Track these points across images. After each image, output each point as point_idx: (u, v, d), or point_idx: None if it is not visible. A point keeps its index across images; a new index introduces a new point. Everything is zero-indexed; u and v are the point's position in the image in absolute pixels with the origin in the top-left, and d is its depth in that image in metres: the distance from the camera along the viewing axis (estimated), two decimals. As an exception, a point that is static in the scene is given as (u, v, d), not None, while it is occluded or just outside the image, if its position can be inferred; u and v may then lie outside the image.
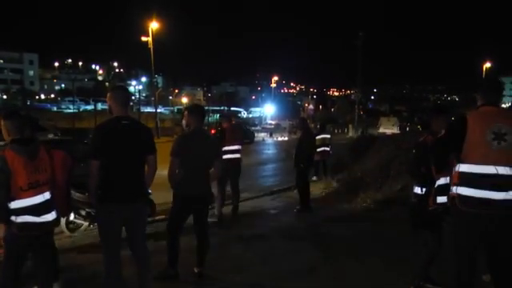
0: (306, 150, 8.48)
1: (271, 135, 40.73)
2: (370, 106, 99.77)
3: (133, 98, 57.26)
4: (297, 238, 6.68)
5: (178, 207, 4.77)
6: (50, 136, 12.77)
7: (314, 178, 11.88)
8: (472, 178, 3.24)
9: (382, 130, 36.35)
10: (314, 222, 7.81)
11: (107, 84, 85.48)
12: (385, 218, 7.70)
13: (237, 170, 7.83)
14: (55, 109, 58.77)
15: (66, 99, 66.13)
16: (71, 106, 52.22)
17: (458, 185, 3.32)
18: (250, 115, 73.15)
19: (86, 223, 6.97)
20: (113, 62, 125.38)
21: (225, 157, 6.26)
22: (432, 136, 4.31)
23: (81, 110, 50.48)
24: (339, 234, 6.80)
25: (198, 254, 4.83)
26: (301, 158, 8.42)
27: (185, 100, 75.47)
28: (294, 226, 7.65)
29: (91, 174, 3.74)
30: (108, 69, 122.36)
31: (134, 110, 43.15)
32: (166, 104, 72.03)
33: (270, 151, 26.72)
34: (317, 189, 10.46)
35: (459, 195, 3.29)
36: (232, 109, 70.56)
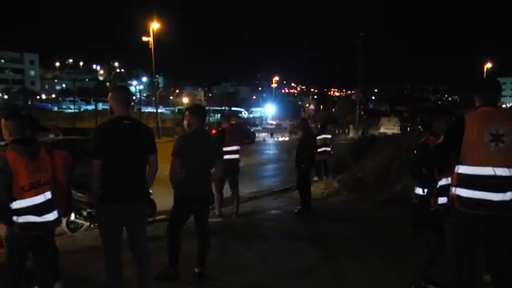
0: (306, 150, 8.48)
1: (272, 135, 40.73)
2: (371, 106, 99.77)
3: (134, 98, 57.35)
4: (297, 238, 6.69)
5: (179, 207, 4.77)
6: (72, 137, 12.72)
7: (315, 178, 11.88)
8: (470, 180, 3.24)
9: (382, 130, 36.31)
10: (314, 222, 7.82)
11: (108, 84, 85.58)
12: (385, 218, 7.71)
13: (235, 170, 7.84)
14: (56, 109, 58.84)
15: (67, 99, 66.27)
16: (72, 106, 52.38)
17: (456, 186, 3.32)
18: (251, 115, 73.18)
19: (87, 223, 6.98)
20: (113, 62, 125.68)
21: (224, 157, 6.27)
22: (433, 136, 4.31)
23: (82, 110, 50.60)
24: (339, 234, 6.81)
25: (199, 255, 4.83)
26: (302, 158, 8.42)
27: (185, 100, 75.47)
28: (294, 226, 7.66)
29: (93, 174, 3.74)
30: (109, 69, 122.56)
31: (135, 110, 43.21)
32: (166, 104, 72.03)
33: (270, 151, 26.72)
34: (317, 189, 10.47)
35: (458, 196, 3.30)
36: (233, 109, 70.60)
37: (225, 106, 71.94)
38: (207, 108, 41.76)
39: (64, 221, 6.54)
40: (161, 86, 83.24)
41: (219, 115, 39.04)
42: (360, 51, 43.83)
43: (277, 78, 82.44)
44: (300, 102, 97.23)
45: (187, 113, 5.00)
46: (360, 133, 38.41)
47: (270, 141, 36.35)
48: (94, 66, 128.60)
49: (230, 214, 7.87)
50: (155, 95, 43.04)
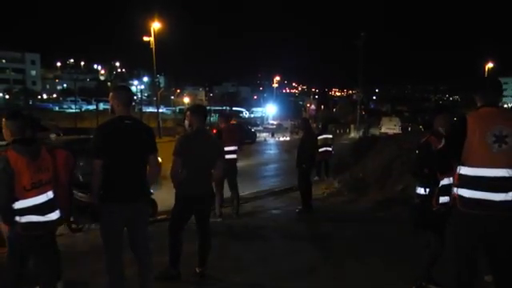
0: (307, 150, 8.49)
1: (273, 135, 40.69)
2: (372, 106, 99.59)
3: (135, 97, 57.35)
4: (297, 238, 6.70)
5: (180, 207, 4.78)
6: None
7: (316, 178, 11.88)
8: (472, 180, 3.24)
9: (383, 130, 36.30)
10: (314, 222, 7.82)
11: (109, 84, 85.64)
12: (385, 218, 7.72)
13: (233, 170, 7.84)
14: (57, 109, 58.91)
15: (68, 99, 66.42)
16: (73, 106, 52.45)
17: (458, 186, 3.32)
18: (252, 115, 73.13)
19: (88, 223, 6.99)
20: (115, 62, 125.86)
21: None
22: (434, 136, 4.32)
23: (83, 109, 50.70)
24: (340, 234, 6.81)
25: (200, 254, 4.84)
26: (303, 158, 8.42)
27: (186, 100, 75.56)
28: (294, 226, 7.67)
29: (94, 174, 3.75)
30: (110, 69, 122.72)
31: (136, 110, 43.19)
32: (167, 104, 72.11)
33: (271, 151, 26.72)
34: (318, 189, 10.47)
35: (460, 196, 3.29)
36: (234, 109, 70.61)
37: (226, 105, 71.95)
38: (208, 108, 41.73)
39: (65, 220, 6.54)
40: (162, 85, 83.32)
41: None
42: (361, 51, 43.75)
43: (278, 78, 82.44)
44: (301, 102, 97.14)
45: (188, 113, 5.00)
46: (361, 133, 38.35)
47: (271, 141, 36.33)
48: (95, 66, 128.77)
49: (230, 214, 7.88)
50: (156, 95, 43.05)
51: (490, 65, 51.88)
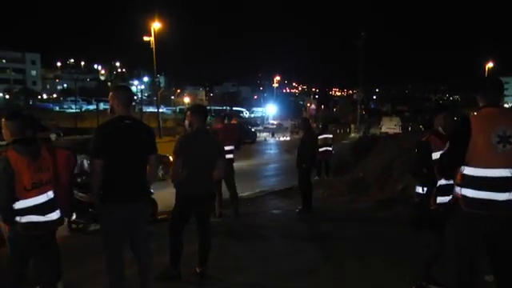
0: (308, 150, 8.49)
1: (273, 135, 40.70)
2: (372, 106, 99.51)
3: (135, 97, 57.34)
4: (297, 238, 6.70)
5: (180, 207, 4.78)
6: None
7: (316, 177, 11.88)
8: (476, 181, 3.22)
9: (384, 129, 36.30)
10: (314, 222, 7.82)
11: (109, 84, 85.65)
12: (386, 218, 7.71)
13: (231, 170, 7.83)
14: (57, 109, 58.92)
15: (69, 99, 66.43)
16: (73, 106, 52.49)
17: (462, 186, 3.30)
18: (252, 115, 73.13)
19: (88, 223, 6.99)
20: (115, 62, 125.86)
21: None
22: (434, 135, 4.32)
23: (83, 109, 50.70)
24: (340, 234, 6.81)
25: (200, 254, 4.84)
26: (303, 157, 8.42)
27: (187, 100, 75.59)
28: (294, 226, 7.66)
29: (94, 174, 3.75)
30: (110, 69, 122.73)
31: (137, 109, 43.20)
32: (168, 104, 72.11)
33: (271, 151, 26.74)
34: (318, 189, 10.46)
35: (464, 196, 3.28)
36: (234, 109, 70.63)
37: (226, 105, 71.99)
38: (208, 108, 41.76)
39: (66, 220, 6.54)
40: (162, 85, 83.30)
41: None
42: (361, 51, 43.78)
43: (278, 78, 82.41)
44: (301, 102, 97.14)
45: (189, 112, 5.00)
46: (361, 132, 38.35)
47: (272, 141, 36.35)
48: (96, 66, 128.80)
49: (230, 214, 7.87)
50: (156, 95, 43.08)
51: (490, 64, 51.91)
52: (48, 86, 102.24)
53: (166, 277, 4.65)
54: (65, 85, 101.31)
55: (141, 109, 45.42)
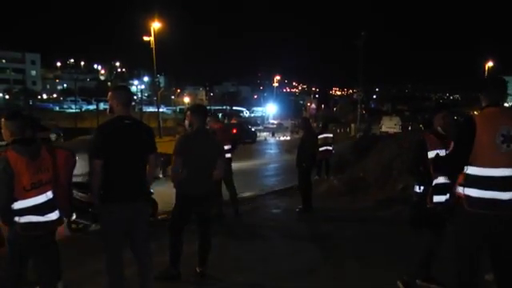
0: (308, 149, 8.48)
1: (273, 135, 40.73)
2: (372, 106, 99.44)
3: (135, 97, 57.40)
4: (297, 238, 6.69)
5: (181, 207, 4.77)
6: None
7: (316, 177, 11.88)
8: (480, 180, 3.22)
9: (384, 129, 36.28)
10: (315, 221, 7.82)
11: (109, 84, 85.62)
12: (386, 218, 7.71)
13: (229, 169, 7.83)
14: (57, 109, 58.97)
15: (68, 99, 66.44)
16: (73, 106, 52.52)
17: (465, 186, 3.29)
18: (252, 115, 73.16)
19: (88, 223, 6.99)
20: (115, 62, 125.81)
21: None
22: (433, 134, 4.32)
23: (83, 109, 50.71)
24: (340, 234, 6.81)
25: (200, 254, 4.84)
26: (303, 157, 8.42)
27: (187, 100, 75.64)
28: (294, 225, 7.66)
29: (93, 174, 3.75)
30: (110, 68, 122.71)
31: (137, 109, 43.22)
32: (168, 104, 72.15)
33: (272, 151, 26.73)
34: (318, 188, 10.46)
35: (467, 196, 3.27)
36: (234, 108, 70.64)
37: (226, 105, 72.00)
38: (208, 107, 41.75)
39: (65, 220, 6.54)
40: (162, 85, 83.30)
41: (220, 114, 39.03)
42: (361, 51, 43.70)
43: (278, 78, 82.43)
44: (301, 102, 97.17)
45: (189, 112, 4.99)
46: (362, 132, 38.29)
47: (272, 140, 36.36)
48: (96, 66, 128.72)
49: (230, 213, 7.87)
50: (156, 95, 43.10)
51: (490, 64, 51.85)
52: (48, 86, 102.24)
53: (165, 277, 4.64)
54: (65, 85, 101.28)
55: (141, 109, 45.44)
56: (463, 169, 3.30)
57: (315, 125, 25.50)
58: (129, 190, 3.78)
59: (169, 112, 60.75)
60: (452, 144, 3.45)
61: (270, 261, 5.54)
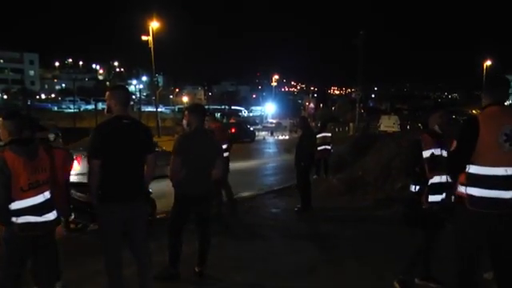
0: (306, 148, 8.48)
1: (272, 134, 40.72)
2: (371, 105, 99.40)
3: (133, 97, 57.42)
4: (297, 238, 6.69)
5: (180, 206, 4.77)
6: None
7: (315, 176, 11.87)
8: (482, 179, 3.22)
9: (382, 128, 36.25)
10: (314, 221, 7.81)
11: (108, 83, 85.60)
12: (385, 217, 7.70)
13: (226, 168, 7.81)
14: (56, 108, 58.93)
15: (67, 99, 66.35)
16: (72, 106, 52.43)
17: (467, 185, 3.28)
18: (251, 114, 73.18)
19: (87, 223, 6.97)
20: (113, 62, 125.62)
21: None
22: (428, 134, 4.32)
23: (81, 109, 50.70)
24: (339, 234, 6.80)
25: (199, 254, 4.83)
26: (301, 156, 8.42)
27: (185, 99, 75.57)
28: (294, 225, 7.66)
29: (92, 174, 3.74)
30: (108, 68, 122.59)
31: (135, 109, 43.17)
32: (166, 103, 72.08)
33: (270, 150, 26.72)
34: (318, 188, 10.45)
35: (470, 196, 3.26)
36: (233, 108, 70.62)
37: (225, 105, 71.98)
38: (207, 107, 41.77)
39: (64, 221, 6.53)
40: (161, 85, 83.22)
41: (218, 114, 39.05)
42: (360, 50, 43.71)
43: (276, 77, 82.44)
44: (300, 101, 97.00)
45: (187, 112, 4.99)
46: (360, 131, 38.27)
47: (270, 139, 36.35)
48: (94, 66, 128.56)
49: (228, 212, 7.86)
50: (155, 94, 43.00)
51: (488, 62, 51.86)
52: (46, 86, 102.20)
53: (165, 276, 4.64)
54: (63, 85, 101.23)
55: (139, 108, 45.40)
56: (465, 168, 3.29)
57: (314, 124, 25.53)
58: (127, 190, 3.78)
59: (167, 112, 60.67)
60: (454, 143, 3.43)
61: (270, 260, 5.53)
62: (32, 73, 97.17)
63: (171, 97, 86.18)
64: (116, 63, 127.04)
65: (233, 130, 26.52)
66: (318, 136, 11.52)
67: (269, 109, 66.24)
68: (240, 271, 5.10)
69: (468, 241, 3.36)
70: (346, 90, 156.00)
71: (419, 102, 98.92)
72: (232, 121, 33.93)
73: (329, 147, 12.93)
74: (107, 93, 3.90)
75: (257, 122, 55.06)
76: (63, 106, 60.79)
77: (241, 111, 71.27)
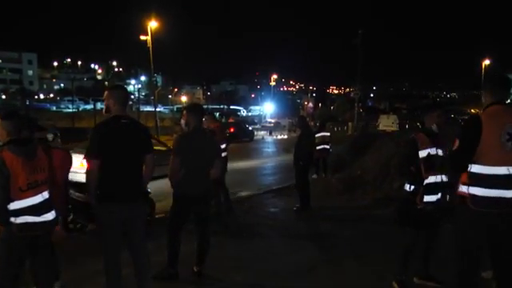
0: (305, 148, 8.48)
1: (271, 133, 40.77)
2: (370, 104, 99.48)
3: (132, 97, 57.38)
4: (296, 237, 6.69)
5: (178, 206, 4.76)
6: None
7: (314, 176, 11.88)
8: (485, 179, 3.21)
9: (381, 127, 36.27)
10: (313, 220, 7.81)
11: (106, 83, 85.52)
12: (384, 217, 7.69)
13: (224, 167, 7.81)
14: (54, 108, 58.95)
15: (66, 99, 66.31)
16: (70, 106, 52.37)
17: (469, 184, 3.27)
18: (250, 113, 73.23)
19: (86, 223, 6.97)
20: (112, 61, 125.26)
21: None
22: (424, 133, 4.32)
23: (80, 109, 50.67)
24: (338, 233, 6.80)
25: (198, 254, 4.82)
26: (300, 156, 8.42)
27: (184, 99, 75.58)
28: (293, 224, 7.66)
29: (90, 174, 3.74)
30: (107, 68, 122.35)
31: (134, 109, 43.12)
32: (165, 103, 72.16)
33: (269, 149, 26.72)
34: (316, 187, 10.45)
35: (472, 195, 3.25)
36: (231, 107, 70.65)
37: (224, 104, 71.99)
38: (206, 107, 41.81)
39: (62, 220, 6.52)
40: (159, 84, 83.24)
41: (217, 114, 39.02)
42: (359, 50, 43.66)
43: (275, 77, 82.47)
44: (299, 100, 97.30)
45: (185, 112, 4.98)
46: (358, 130, 38.28)
47: (269, 139, 36.37)
48: (93, 66, 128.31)
49: (226, 212, 7.86)
50: (154, 94, 42.95)
51: (487, 62, 51.88)
52: (45, 86, 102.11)
53: (163, 276, 4.63)
54: (62, 84, 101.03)
55: (138, 108, 45.33)
56: (467, 167, 3.28)
57: (312, 123, 25.54)
58: (126, 190, 3.77)
59: (166, 111, 60.70)
60: (457, 142, 3.41)
61: (269, 260, 5.53)
62: (30, 73, 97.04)
63: (170, 96, 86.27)
64: (115, 63, 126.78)
65: (231, 130, 26.53)
66: (316, 135, 11.53)
67: (267, 108, 66.35)
68: (239, 271, 5.10)
69: (468, 241, 3.36)
70: (344, 89, 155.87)
71: (418, 102, 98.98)
72: (231, 120, 33.95)
73: (327, 147, 12.93)
74: (106, 92, 3.90)
75: (255, 121, 55.10)
76: (62, 106, 60.77)
77: (239, 111, 71.33)
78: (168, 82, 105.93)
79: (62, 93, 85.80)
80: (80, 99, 61.56)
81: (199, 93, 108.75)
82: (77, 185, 6.51)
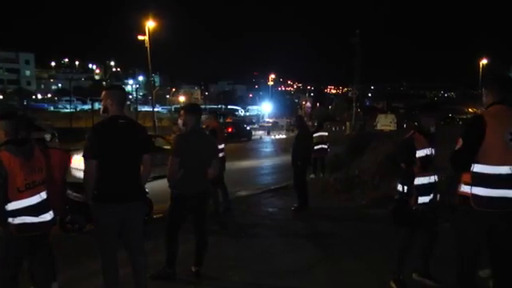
0: (303, 147, 8.48)
1: (269, 133, 40.75)
2: (368, 104, 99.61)
3: (130, 97, 57.29)
4: (294, 237, 6.70)
5: (176, 206, 4.76)
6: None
7: (312, 175, 11.89)
8: (488, 179, 3.21)
9: (379, 127, 36.33)
10: (311, 220, 7.82)
11: (104, 83, 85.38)
12: (382, 216, 7.70)
13: (223, 167, 7.82)
14: (52, 108, 58.82)
15: (63, 99, 66.22)
16: (68, 106, 52.27)
17: (472, 185, 3.27)
18: (248, 113, 73.20)
19: (84, 223, 6.96)
20: (110, 61, 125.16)
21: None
22: (419, 133, 4.33)
23: (78, 109, 50.59)
24: (337, 233, 6.81)
25: (196, 253, 4.82)
26: (298, 155, 8.42)
27: (182, 99, 75.56)
28: (291, 224, 7.66)
29: (88, 174, 3.73)
30: (105, 68, 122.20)
31: (132, 109, 43.08)
32: (163, 103, 72.08)
33: (267, 149, 26.72)
34: (314, 187, 10.46)
35: (475, 195, 3.25)
36: (229, 107, 70.64)
37: (221, 104, 71.99)
38: (204, 107, 41.75)
39: (59, 220, 6.52)
40: (157, 84, 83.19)
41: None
42: (358, 49, 43.72)
43: (273, 76, 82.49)
44: (296, 100, 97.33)
45: (182, 112, 4.98)
46: (358, 127, 38.31)
47: (267, 139, 36.35)
48: (90, 66, 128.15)
49: (223, 211, 7.86)
50: (152, 94, 42.94)
51: (485, 61, 51.97)
52: (42, 86, 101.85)
53: (161, 276, 4.63)
54: (59, 84, 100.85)
55: (136, 108, 45.33)
56: (470, 166, 3.29)
57: (310, 123, 25.50)
58: (123, 190, 3.77)
59: (164, 111, 60.62)
60: (459, 141, 3.40)
61: (267, 259, 5.53)
62: (28, 73, 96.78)
63: (168, 96, 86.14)
64: (112, 63, 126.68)
65: (229, 130, 26.53)
66: (314, 135, 11.55)
67: (265, 108, 66.33)
68: (237, 270, 5.10)
69: (469, 241, 3.36)
70: (342, 89, 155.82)
71: (415, 101, 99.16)
72: (229, 120, 33.98)
73: (325, 146, 12.94)
74: (103, 93, 3.89)
75: (253, 121, 55.11)
76: (59, 106, 60.60)
77: (237, 110, 71.31)
78: (166, 82, 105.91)
79: (59, 93, 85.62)
80: (78, 99, 61.57)
81: (197, 93, 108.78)
82: (74, 185, 6.52)
